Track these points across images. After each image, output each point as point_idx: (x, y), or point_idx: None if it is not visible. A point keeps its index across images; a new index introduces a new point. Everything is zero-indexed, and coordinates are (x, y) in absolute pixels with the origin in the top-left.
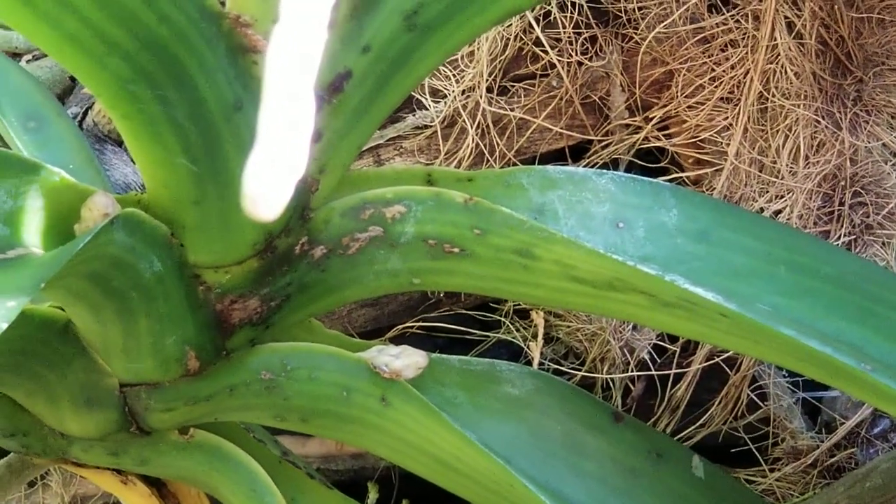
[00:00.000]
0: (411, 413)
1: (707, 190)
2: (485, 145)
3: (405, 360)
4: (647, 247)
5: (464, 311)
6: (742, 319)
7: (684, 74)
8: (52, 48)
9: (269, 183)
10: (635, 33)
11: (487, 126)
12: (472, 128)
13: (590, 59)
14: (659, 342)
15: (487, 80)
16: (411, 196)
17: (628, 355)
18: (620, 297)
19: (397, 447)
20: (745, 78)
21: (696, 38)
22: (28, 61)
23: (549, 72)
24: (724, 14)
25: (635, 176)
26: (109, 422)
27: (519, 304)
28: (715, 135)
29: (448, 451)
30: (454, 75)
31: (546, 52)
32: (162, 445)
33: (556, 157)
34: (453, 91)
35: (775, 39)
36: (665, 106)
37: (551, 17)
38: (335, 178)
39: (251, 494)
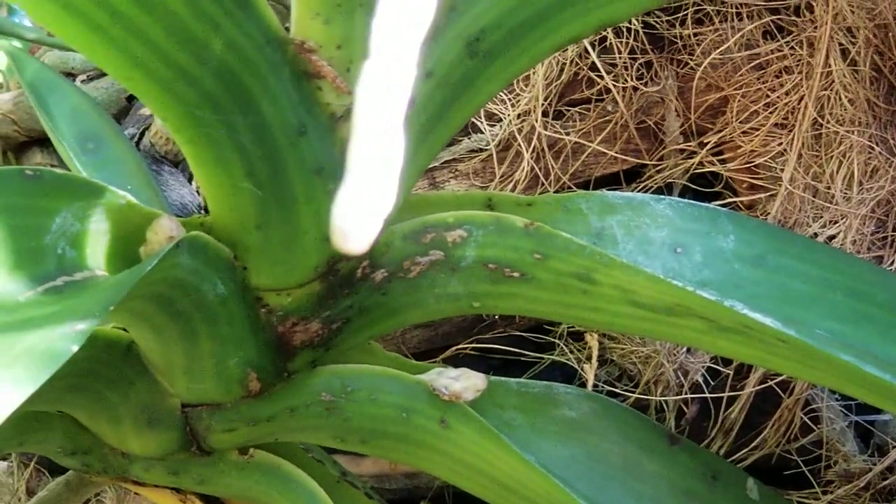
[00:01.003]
0: (470, 435)
1: (761, 215)
2: (539, 169)
3: (465, 383)
4: (704, 272)
5: (518, 333)
6: (801, 345)
7: (739, 100)
8: (120, 74)
9: (359, 217)
10: (691, 59)
11: (542, 150)
12: (527, 151)
13: (645, 85)
14: (713, 365)
15: (543, 105)
16: (472, 220)
17: (682, 378)
18: (679, 321)
19: (456, 468)
20: (799, 104)
21: (751, 65)
22: (83, 81)
23: (605, 96)
24: (779, 41)
25: (693, 201)
26: (171, 442)
27: (573, 327)
28: (769, 160)
29: (506, 473)
30: (510, 99)
31: (601, 77)
32: (222, 465)
33: (610, 180)
34: (509, 115)
35: (830, 66)
36: (720, 131)
37: (607, 43)
38: (396, 203)
39: None
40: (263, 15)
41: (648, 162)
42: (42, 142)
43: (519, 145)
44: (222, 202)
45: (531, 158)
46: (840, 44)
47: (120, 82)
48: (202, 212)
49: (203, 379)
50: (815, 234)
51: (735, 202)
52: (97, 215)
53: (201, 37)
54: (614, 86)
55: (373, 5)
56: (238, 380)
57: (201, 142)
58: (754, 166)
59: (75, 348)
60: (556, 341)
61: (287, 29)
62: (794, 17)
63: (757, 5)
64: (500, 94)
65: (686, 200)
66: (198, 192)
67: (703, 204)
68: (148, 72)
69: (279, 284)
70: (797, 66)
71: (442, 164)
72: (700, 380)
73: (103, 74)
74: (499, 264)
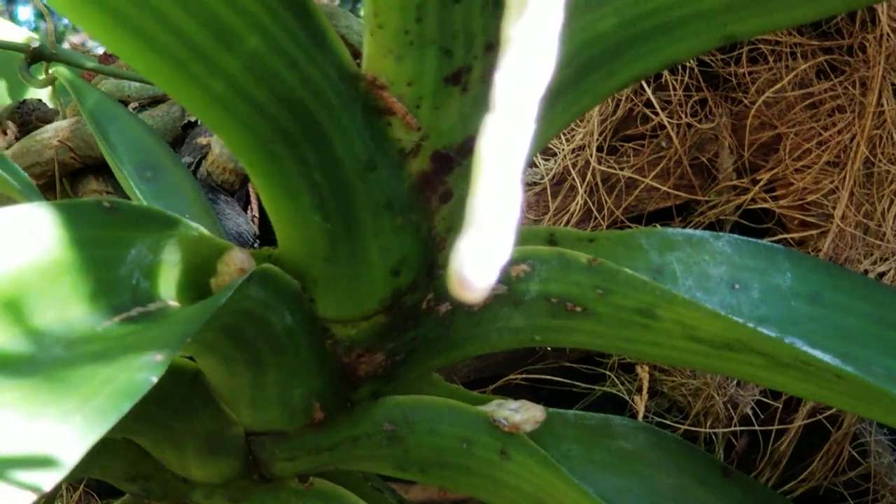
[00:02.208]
0: (530, 466)
1: (812, 251)
2: (593, 203)
3: (524, 415)
4: (762, 308)
5: (568, 364)
6: (859, 381)
7: (792, 138)
8: (198, 108)
9: (479, 267)
10: (745, 97)
11: (596, 184)
12: (581, 186)
13: (699, 122)
14: (762, 398)
15: (598, 140)
16: (535, 255)
17: (732, 410)
18: (737, 356)
19: (514, 498)
20: (851, 143)
21: (804, 104)
22: (135, 109)
23: (659, 133)
24: (832, 80)
25: (751, 239)
26: (233, 469)
27: (624, 359)
28: (821, 198)
29: None
30: (564, 134)
31: (656, 114)
32: (282, 493)
33: (663, 215)
34: (563, 150)
35: (882, 106)
36: (772, 168)
37: (662, 80)
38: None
39: None
40: (338, 52)
41: (701, 198)
42: (97, 169)
43: (573, 180)
44: (292, 235)
45: (585, 193)
46: (892, 84)
47: (196, 116)
48: (257, 241)
49: (268, 408)
50: (866, 271)
51: (786, 238)
52: (170, 247)
53: (279, 73)
54: (669, 122)
55: (444, 43)
56: (302, 409)
57: (274, 175)
58: (806, 203)
59: (155, 379)
60: (607, 373)
61: (358, 65)
62: (847, 57)
63: (811, 45)
64: None
65: (744, 238)
66: (253, 221)
67: (760, 241)
68: (225, 107)
69: (345, 316)
70: (850, 105)
71: None
72: (749, 412)
73: (156, 102)
74: (561, 299)
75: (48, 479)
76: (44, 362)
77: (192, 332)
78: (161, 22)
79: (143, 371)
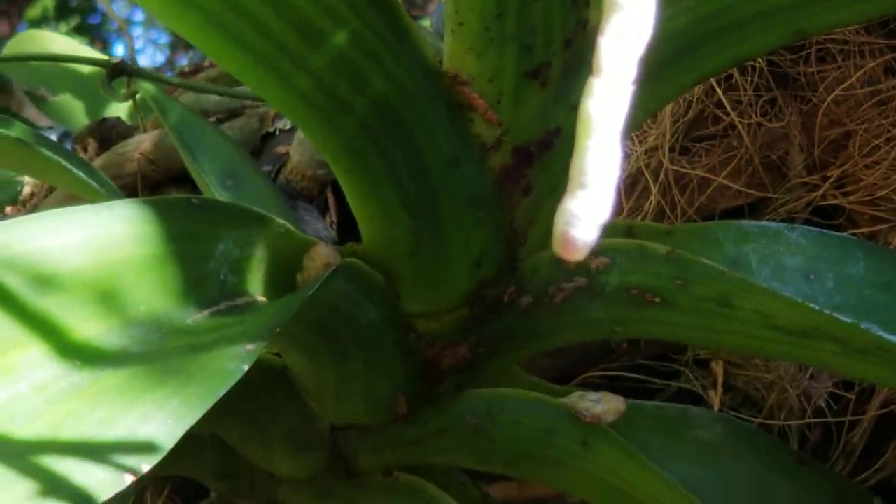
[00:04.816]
0: (611, 455)
1: (883, 245)
2: (666, 203)
3: (605, 406)
4: (836, 297)
5: (643, 362)
6: None
7: (861, 135)
8: (283, 105)
9: (583, 226)
10: (814, 96)
11: (669, 184)
12: (654, 186)
13: (769, 121)
14: (835, 390)
15: (670, 141)
16: (615, 248)
17: (805, 403)
18: (814, 343)
19: (596, 487)
20: None
21: (872, 101)
22: (213, 122)
23: (730, 132)
24: None
25: (824, 230)
26: (319, 464)
27: (698, 355)
28: (891, 193)
29: (645, 493)
30: (637, 136)
31: (727, 114)
32: (368, 487)
33: (734, 213)
34: (636, 151)
35: None
36: (842, 165)
37: (733, 80)
38: (542, 230)
39: None
40: (421, 49)
41: (772, 195)
42: (177, 180)
43: (646, 180)
44: (376, 231)
45: (658, 192)
46: None
47: (283, 113)
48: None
49: (353, 402)
50: None
51: (857, 233)
52: (258, 242)
53: (363, 70)
54: (739, 122)
55: (524, 40)
56: (386, 403)
57: (358, 172)
58: (876, 199)
59: (246, 367)
60: (682, 369)
61: (439, 62)
62: None
63: (878, 43)
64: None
65: (818, 229)
66: (332, 226)
67: (834, 233)
68: (310, 103)
69: (429, 310)
70: None
71: None
72: (823, 404)
73: (234, 115)
74: (641, 290)
75: (147, 462)
76: (138, 353)
77: (280, 324)
78: (249, 21)
79: (234, 360)
